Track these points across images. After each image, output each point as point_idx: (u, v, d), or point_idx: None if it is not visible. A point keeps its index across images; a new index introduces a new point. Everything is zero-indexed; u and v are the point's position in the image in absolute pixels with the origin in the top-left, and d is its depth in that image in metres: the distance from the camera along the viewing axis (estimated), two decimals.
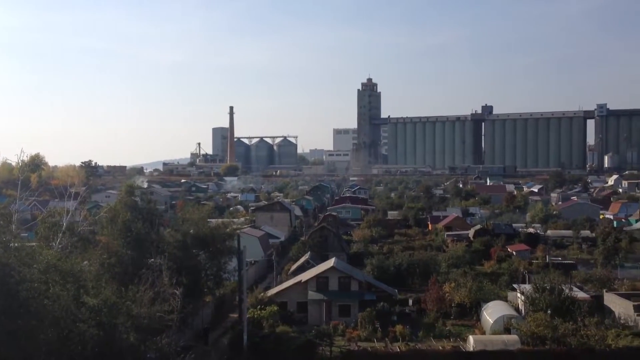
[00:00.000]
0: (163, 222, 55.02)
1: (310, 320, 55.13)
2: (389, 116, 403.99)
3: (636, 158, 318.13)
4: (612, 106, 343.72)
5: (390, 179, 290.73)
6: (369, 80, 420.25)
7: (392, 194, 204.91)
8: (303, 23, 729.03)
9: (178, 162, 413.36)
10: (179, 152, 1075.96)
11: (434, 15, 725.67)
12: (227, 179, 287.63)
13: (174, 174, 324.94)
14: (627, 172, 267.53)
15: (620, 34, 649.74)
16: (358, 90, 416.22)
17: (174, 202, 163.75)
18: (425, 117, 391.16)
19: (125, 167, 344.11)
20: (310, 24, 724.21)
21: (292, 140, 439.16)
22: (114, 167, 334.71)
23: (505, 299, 58.68)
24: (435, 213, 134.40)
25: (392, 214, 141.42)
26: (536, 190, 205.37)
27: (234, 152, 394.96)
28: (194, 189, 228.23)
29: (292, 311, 55.87)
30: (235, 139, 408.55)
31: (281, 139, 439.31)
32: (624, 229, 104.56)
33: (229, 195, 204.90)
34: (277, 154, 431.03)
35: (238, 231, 63.78)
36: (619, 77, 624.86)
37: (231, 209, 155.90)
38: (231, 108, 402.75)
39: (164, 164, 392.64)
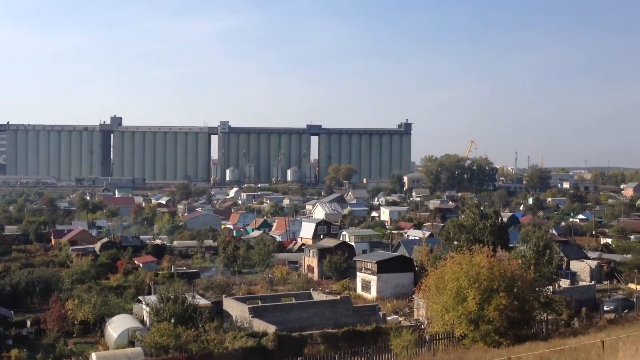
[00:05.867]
0: None
1: None
2: (8, 122, 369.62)
3: (254, 172, 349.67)
4: (233, 124, 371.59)
5: (9, 191, 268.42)
6: None
7: (11, 207, 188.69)
8: None
9: None
10: None
11: (59, 18, 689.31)
12: None
13: None
14: (245, 185, 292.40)
15: (246, 57, 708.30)
16: None
17: None
18: (50, 125, 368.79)
19: None
20: None
21: None
22: None
23: (131, 312, 58.68)
24: (59, 227, 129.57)
25: (11, 229, 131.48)
26: (164, 202, 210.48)
27: None
28: None
29: None
30: None
31: None
32: (242, 237, 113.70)
33: None
34: None
35: None
36: (243, 96, 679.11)
37: None
38: None
39: None
